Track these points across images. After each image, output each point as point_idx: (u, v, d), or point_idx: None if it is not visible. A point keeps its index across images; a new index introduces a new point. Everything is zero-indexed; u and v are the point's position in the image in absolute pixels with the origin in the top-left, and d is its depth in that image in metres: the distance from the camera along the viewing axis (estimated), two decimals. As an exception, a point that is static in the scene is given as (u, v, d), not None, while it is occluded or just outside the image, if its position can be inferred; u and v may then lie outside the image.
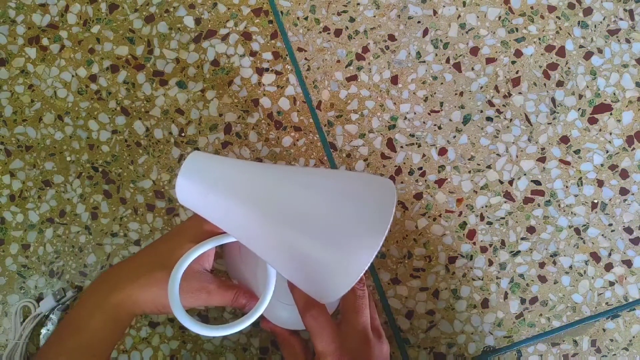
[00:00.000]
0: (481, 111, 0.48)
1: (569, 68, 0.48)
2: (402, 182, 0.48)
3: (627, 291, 0.47)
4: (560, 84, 0.48)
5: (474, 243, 0.47)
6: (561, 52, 0.48)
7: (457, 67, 0.48)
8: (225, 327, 0.35)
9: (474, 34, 0.48)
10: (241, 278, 0.43)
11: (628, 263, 0.47)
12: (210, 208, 0.34)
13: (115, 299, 0.36)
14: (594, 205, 0.47)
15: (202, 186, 0.33)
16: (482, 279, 0.47)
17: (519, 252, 0.47)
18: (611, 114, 0.47)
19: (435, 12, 0.48)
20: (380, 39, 0.49)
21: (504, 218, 0.47)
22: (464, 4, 0.48)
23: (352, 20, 0.49)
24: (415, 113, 0.48)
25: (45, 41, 0.49)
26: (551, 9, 0.48)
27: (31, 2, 0.50)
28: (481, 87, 0.48)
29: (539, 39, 0.48)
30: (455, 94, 0.48)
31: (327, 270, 0.30)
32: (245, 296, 0.40)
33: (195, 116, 0.49)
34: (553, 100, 0.48)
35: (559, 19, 0.48)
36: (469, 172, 0.48)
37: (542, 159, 0.47)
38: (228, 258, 0.46)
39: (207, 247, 0.36)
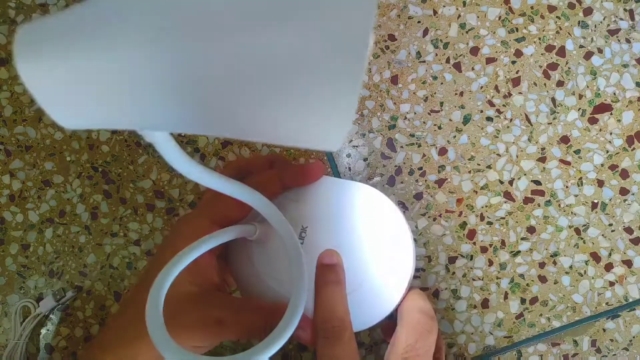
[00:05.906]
0: (481, 111, 0.48)
1: (569, 68, 0.48)
2: (402, 182, 0.48)
3: (627, 291, 0.47)
4: (560, 83, 0.48)
5: (474, 243, 0.47)
6: (561, 52, 0.48)
7: (457, 67, 0.48)
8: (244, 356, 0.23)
9: (474, 34, 0.48)
10: (259, 294, 0.32)
11: (628, 263, 0.47)
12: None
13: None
14: (594, 205, 0.47)
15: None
16: (482, 279, 0.47)
17: (519, 252, 0.47)
18: (611, 114, 0.47)
19: (435, 12, 0.48)
20: (380, 39, 0.48)
21: (504, 218, 0.47)
22: (464, 3, 0.48)
23: (352, 20, 0.49)
24: (415, 113, 0.48)
25: (45, 41, 0.49)
26: (551, 8, 0.48)
27: (31, 2, 0.50)
28: (481, 87, 0.48)
29: (539, 38, 0.48)
30: (455, 94, 0.48)
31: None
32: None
33: (195, 116, 0.49)
34: (553, 100, 0.48)
35: (559, 18, 0.48)
36: (469, 172, 0.48)
37: (542, 159, 0.47)
38: (235, 266, 0.35)
39: (197, 252, 0.25)
